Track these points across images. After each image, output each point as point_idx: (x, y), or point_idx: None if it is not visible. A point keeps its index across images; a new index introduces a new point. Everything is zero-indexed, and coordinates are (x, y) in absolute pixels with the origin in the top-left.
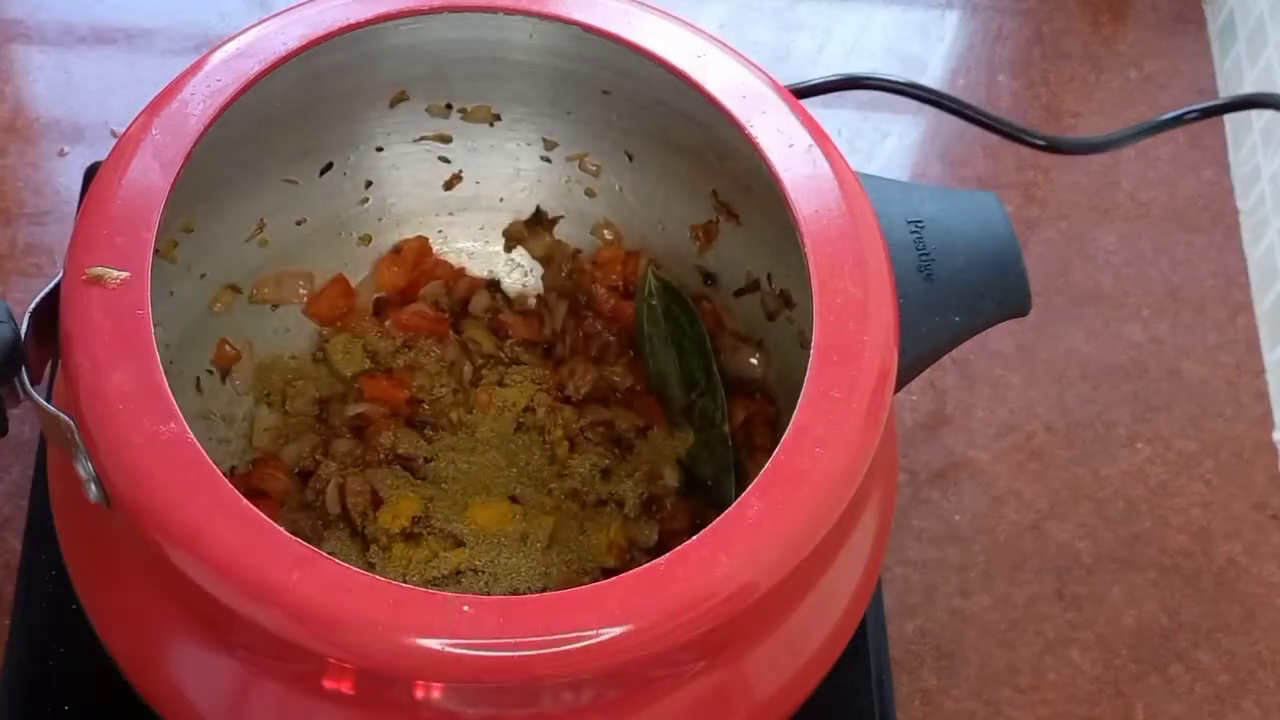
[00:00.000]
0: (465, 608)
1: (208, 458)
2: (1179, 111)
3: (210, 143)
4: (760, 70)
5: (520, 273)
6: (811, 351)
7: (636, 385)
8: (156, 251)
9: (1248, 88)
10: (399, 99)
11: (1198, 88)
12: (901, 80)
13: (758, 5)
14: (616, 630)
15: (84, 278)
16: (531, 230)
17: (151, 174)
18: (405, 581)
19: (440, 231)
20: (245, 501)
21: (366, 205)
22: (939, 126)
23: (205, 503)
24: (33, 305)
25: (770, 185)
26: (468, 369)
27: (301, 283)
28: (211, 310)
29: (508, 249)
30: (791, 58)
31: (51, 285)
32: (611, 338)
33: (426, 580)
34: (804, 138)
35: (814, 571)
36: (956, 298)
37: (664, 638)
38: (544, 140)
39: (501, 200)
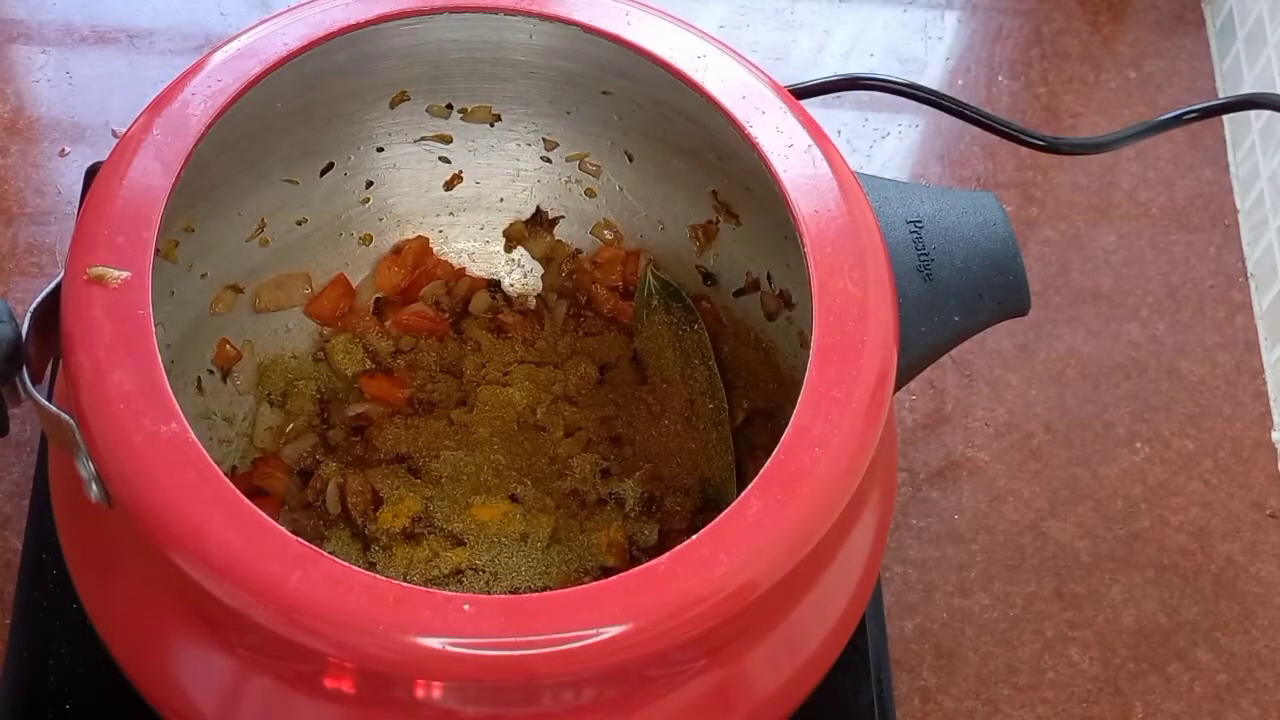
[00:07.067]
0: (466, 607)
1: (208, 457)
2: (1178, 111)
3: (211, 143)
4: (760, 70)
5: (520, 273)
6: (811, 351)
7: (637, 384)
8: (157, 251)
9: (1247, 88)
10: (399, 99)
11: (1197, 88)
12: (901, 80)
13: (758, 5)
14: (616, 629)
15: (85, 277)
16: (531, 230)
17: (152, 174)
18: (406, 581)
19: (440, 231)
20: (246, 501)
21: (367, 205)
22: (938, 126)
23: (206, 502)
24: (34, 305)
25: (770, 185)
26: (468, 369)
27: (302, 283)
28: (212, 310)
29: (508, 249)
30: (791, 58)
31: (52, 285)
32: (611, 338)
33: (427, 579)
34: (803, 138)
35: (814, 571)
36: (956, 297)
37: (664, 637)
38: (544, 140)
39: (502, 200)
